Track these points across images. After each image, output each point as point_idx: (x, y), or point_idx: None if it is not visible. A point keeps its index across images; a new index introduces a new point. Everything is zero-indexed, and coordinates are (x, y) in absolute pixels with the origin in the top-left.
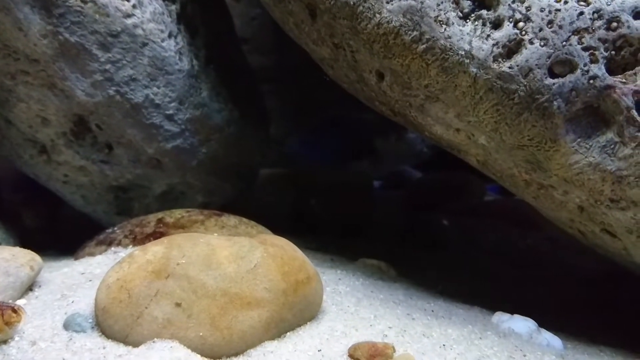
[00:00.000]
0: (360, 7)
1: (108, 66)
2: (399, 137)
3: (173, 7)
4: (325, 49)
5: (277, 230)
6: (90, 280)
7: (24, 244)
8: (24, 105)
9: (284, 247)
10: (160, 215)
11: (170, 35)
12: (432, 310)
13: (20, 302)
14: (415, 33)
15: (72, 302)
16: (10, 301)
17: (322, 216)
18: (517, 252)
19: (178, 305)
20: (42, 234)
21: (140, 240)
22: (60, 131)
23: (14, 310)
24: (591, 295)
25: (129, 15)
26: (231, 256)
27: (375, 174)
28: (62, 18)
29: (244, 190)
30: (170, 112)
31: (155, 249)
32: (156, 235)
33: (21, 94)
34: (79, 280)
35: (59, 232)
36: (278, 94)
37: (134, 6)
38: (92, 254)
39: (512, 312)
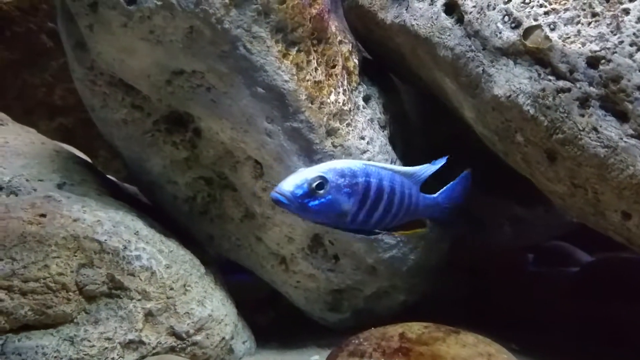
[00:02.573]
0: (612, 160)
1: None
2: (547, 208)
3: (386, 132)
4: (561, 186)
5: (457, 322)
6: None
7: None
8: (277, 228)
9: None
10: (399, 329)
11: (391, 162)
12: None
13: None
14: None
15: None
16: None
17: (499, 304)
18: None
19: None
20: (267, 328)
21: (389, 354)
22: (300, 247)
23: None
24: None
25: (364, 152)
26: None
27: (519, 245)
28: (319, 162)
29: (436, 286)
30: None
31: None
32: (403, 350)
33: (277, 221)
34: None
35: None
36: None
37: (367, 143)
38: None
39: None
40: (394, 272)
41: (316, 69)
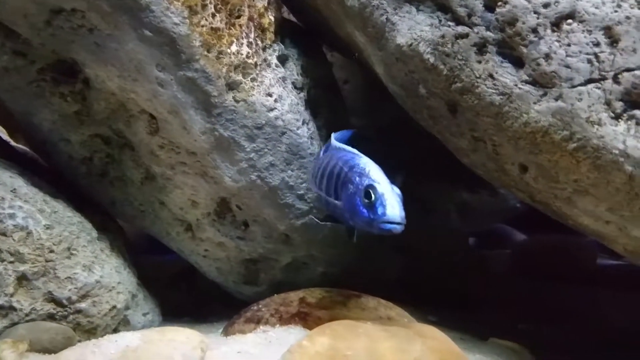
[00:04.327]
0: (506, 107)
1: (252, 155)
2: (492, 193)
3: (302, 94)
4: (464, 140)
5: (386, 299)
6: None
7: (165, 313)
8: (179, 191)
9: (440, 340)
10: (301, 294)
11: (303, 123)
12: None
13: None
14: (565, 132)
15: None
16: None
17: (430, 282)
18: None
19: None
20: (175, 303)
21: (286, 319)
22: (205, 212)
23: None
24: None
25: (271, 109)
26: (392, 348)
27: (466, 230)
28: (219, 117)
29: (359, 259)
30: (302, 192)
31: (321, 340)
32: (300, 315)
33: (178, 182)
34: None
35: (190, 299)
36: (370, 155)
37: (275, 100)
38: (242, 332)
39: None
40: (308, 241)
41: (214, 15)
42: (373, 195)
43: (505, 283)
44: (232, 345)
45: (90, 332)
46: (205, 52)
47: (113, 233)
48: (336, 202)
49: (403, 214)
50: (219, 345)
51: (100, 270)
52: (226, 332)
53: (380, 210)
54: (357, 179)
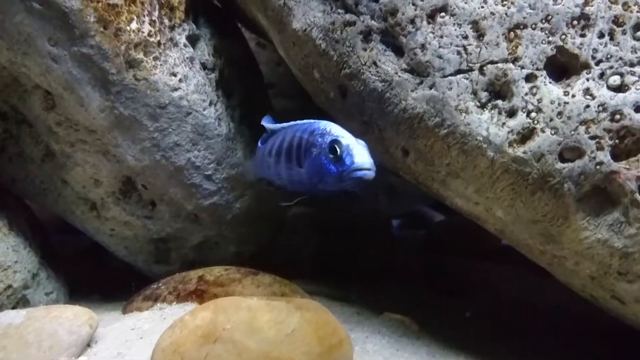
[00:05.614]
0: (388, 94)
1: (156, 134)
2: None
3: (212, 75)
4: (355, 124)
5: (301, 276)
6: (141, 338)
7: (72, 292)
8: (80, 169)
9: (318, 312)
10: (200, 272)
11: (210, 104)
12: None
13: None
14: (437, 119)
15: None
16: (73, 358)
17: (344, 260)
18: (538, 301)
19: None
20: (87, 282)
21: (183, 297)
22: (110, 190)
23: None
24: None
25: (175, 89)
26: (271, 321)
27: (393, 213)
28: (118, 95)
29: (274, 238)
30: (209, 172)
31: (203, 315)
32: (197, 292)
33: (78, 160)
34: (130, 337)
35: (102, 278)
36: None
37: (180, 80)
38: (139, 309)
39: None
40: (218, 221)
41: None
42: (338, 149)
43: (417, 261)
44: (126, 322)
45: None
46: (102, 29)
47: (13, 211)
48: (298, 169)
49: (372, 160)
50: (113, 322)
51: None
52: (124, 310)
53: (348, 160)
54: (320, 139)
